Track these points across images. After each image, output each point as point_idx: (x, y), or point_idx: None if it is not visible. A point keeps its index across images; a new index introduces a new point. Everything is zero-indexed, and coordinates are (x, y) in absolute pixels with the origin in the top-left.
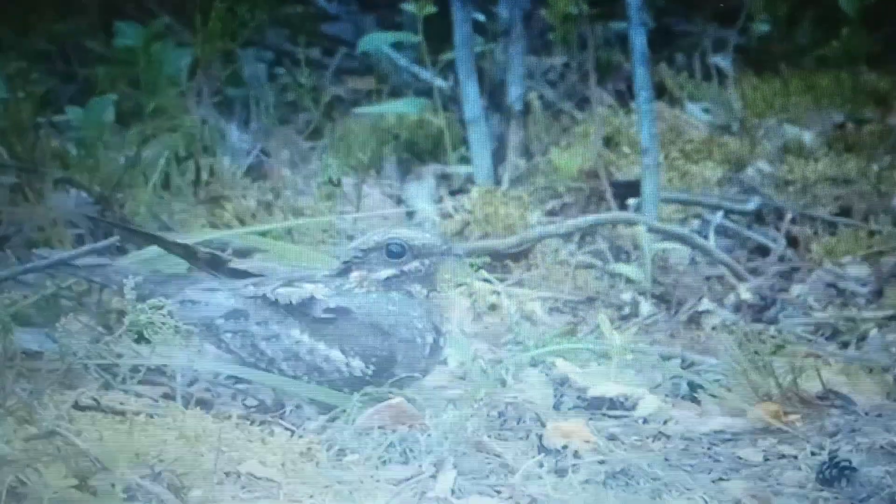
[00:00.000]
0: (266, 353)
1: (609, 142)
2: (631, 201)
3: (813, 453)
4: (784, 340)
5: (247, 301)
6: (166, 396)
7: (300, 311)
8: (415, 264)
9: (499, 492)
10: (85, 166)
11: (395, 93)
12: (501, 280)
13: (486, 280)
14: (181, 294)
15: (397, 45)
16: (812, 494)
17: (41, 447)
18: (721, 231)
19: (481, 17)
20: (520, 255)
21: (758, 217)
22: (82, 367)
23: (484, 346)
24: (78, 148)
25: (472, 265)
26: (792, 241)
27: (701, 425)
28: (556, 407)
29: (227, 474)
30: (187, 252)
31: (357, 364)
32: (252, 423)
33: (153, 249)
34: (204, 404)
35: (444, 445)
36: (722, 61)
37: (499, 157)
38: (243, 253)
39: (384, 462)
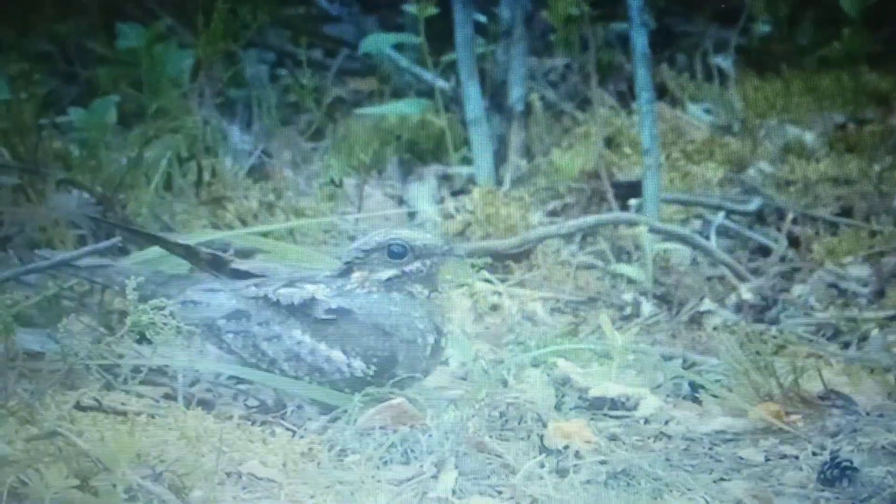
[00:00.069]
0: (267, 353)
1: (610, 142)
2: (632, 202)
3: (814, 453)
4: (785, 341)
5: (248, 302)
6: (168, 397)
7: (302, 311)
8: (416, 265)
9: (500, 492)
10: (87, 167)
11: (397, 94)
12: (503, 280)
13: (487, 280)
14: (183, 295)
15: (399, 47)
16: (813, 495)
17: (42, 447)
18: (722, 231)
19: (483, 19)
20: (521, 255)
21: (759, 217)
22: (84, 367)
23: (485, 347)
24: (80, 149)
25: (473, 266)
26: (793, 242)
27: (702, 425)
28: (558, 407)
29: (228, 475)
30: (189, 253)
31: (358, 364)
32: (253, 423)
33: (155, 250)
34: (205, 405)
35: (445, 446)
36: (723, 62)
37: (500, 157)
38: (245, 253)
39: (385, 462)
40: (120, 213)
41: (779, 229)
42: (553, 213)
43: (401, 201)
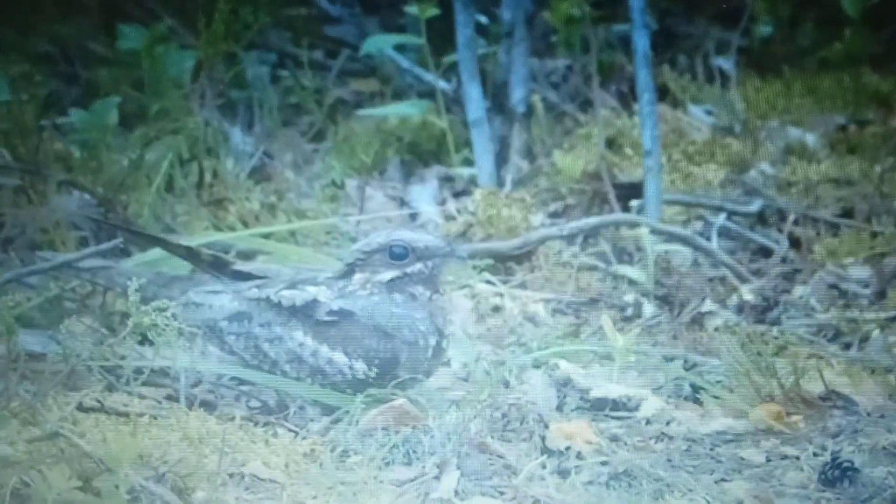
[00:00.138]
0: (269, 355)
1: (612, 144)
2: (634, 203)
3: (815, 454)
4: (786, 341)
5: (250, 303)
6: (170, 398)
7: (303, 313)
8: (418, 266)
9: (502, 493)
10: (88, 168)
11: (399, 95)
12: (504, 282)
13: (489, 282)
14: (184, 296)
15: (400, 48)
16: (814, 495)
17: (45, 449)
18: (723, 232)
19: (484, 20)
20: (523, 256)
21: (760, 219)
22: (86, 368)
23: (487, 348)
24: (81, 150)
25: (475, 267)
26: (794, 243)
27: (703, 426)
28: (559, 408)
29: (230, 475)
30: (190, 254)
31: (360, 366)
32: (256, 424)
33: (156, 252)
34: (207, 406)
35: (447, 446)
36: (724, 63)
37: (502, 159)
38: (247, 255)
39: (387, 463)
40: (121, 215)
41: (780, 230)
42: (554, 215)
43: (402, 203)
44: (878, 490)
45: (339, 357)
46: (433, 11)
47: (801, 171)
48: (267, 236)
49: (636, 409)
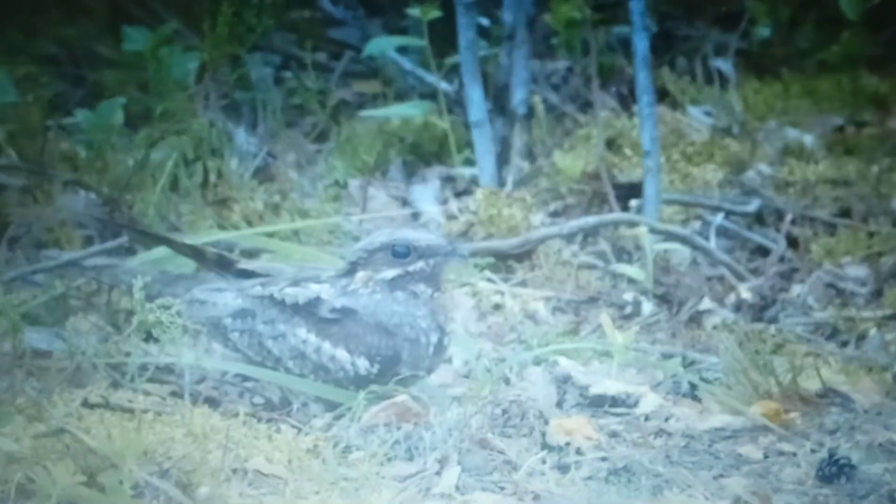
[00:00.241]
0: (272, 351)
1: (611, 144)
2: (633, 203)
3: (813, 451)
4: (784, 339)
5: (254, 301)
6: (174, 394)
7: (306, 310)
8: (420, 265)
9: (502, 488)
10: (94, 168)
11: (401, 96)
12: (505, 280)
13: (490, 280)
14: (189, 294)
15: (403, 50)
16: (812, 491)
17: (50, 445)
18: (722, 232)
19: (486, 22)
20: (523, 255)
21: (758, 218)
22: (91, 365)
23: (488, 345)
24: (87, 150)
25: (476, 266)
26: (792, 242)
27: (701, 423)
28: (559, 404)
29: (234, 471)
30: (195, 253)
31: (362, 363)
32: (259, 420)
33: (161, 250)
34: (211, 402)
35: (448, 442)
36: (723, 65)
37: (503, 159)
38: (251, 254)
39: (389, 459)
40: (127, 214)
41: (778, 230)
42: (555, 214)
43: (404, 202)
44: (874, 487)
45: (342, 354)
46: (435, 14)
47: (799, 171)
48: (270, 235)
49: (635, 405)
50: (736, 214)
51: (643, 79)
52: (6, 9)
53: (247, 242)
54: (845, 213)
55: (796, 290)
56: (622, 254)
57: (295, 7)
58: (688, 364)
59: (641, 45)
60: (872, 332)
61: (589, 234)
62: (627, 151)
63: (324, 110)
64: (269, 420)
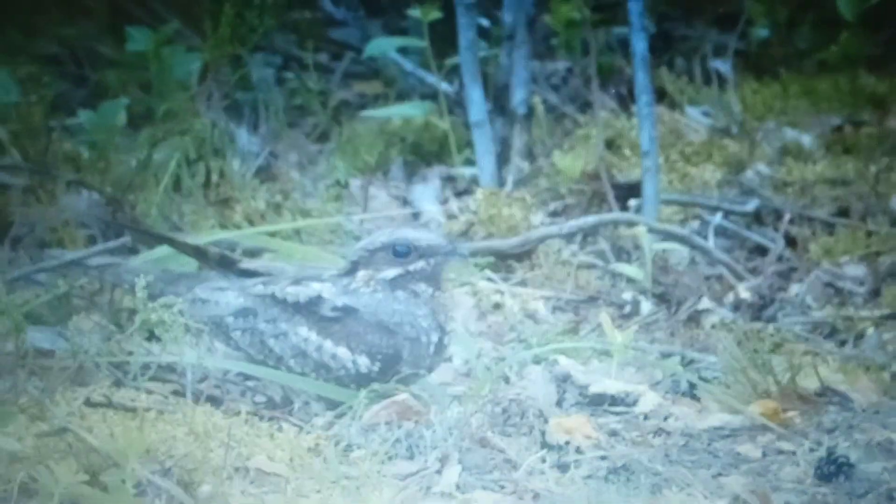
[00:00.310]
0: (274, 350)
1: (610, 144)
2: (632, 203)
3: (811, 450)
4: (782, 338)
5: (255, 299)
6: (176, 393)
7: (308, 309)
8: (420, 264)
9: (502, 487)
10: (97, 168)
11: (402, 96)
12: (505, 279)
13: (490, 280)
14: (191, 293)
15: (403, 50)
16: (810, 490)
17: (53, 444)
18: (720, 232)
19: (486, 23)
20: (523, 255)
21: (757, 218)
22: (94, 364)
23: (488, 344)
24: (90, 150)
25: (476, 265)
26: (790, 242)
27: (700, 422)
28: (559, 403)
29: (236, 470)
30: (198, 252)
31: (363, 361)
32: (261, 419)
33: (163, 249)
34: (213, 401)
35: (448, 441)
36: (722, 65)
37: (503, 159)
38: (253, 253)
39: (390, 457)
40: (129, 214)
41: (776, 229)
42: (554, 214)
43: (405, 202)
44: (873, 485)
45: (343, 352)
46: (435, 15)
47: (798, 171)
48: (272, 235)
49: (634, 404)
50: (734, 214)
51: (642, 79)
52: (8, 9)
53: (249, 242)
54: (844, 212)
55: (795, 289)
56: (621, 253)
57: (296, 8)
58: (686, 363)
59: (640, 45)
60: (870, 331)
61: (588, 233)
62: (626, 151)
63: (325, 111)
64: (270, 419)
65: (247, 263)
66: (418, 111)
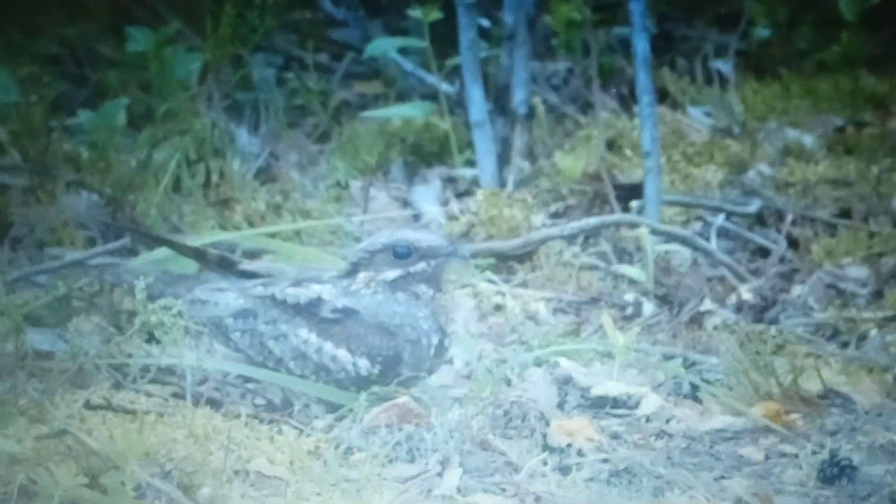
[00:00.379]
0: (274, 352)
1: (612, 145)
2: (633, 204)
3: (814, 452)
4: (785, 340)
5: (255, 301)
6: (176, 396)
7: (308, 311)
8: (421, 265)
9: (504, 489)
10: (96, 169)
11: (402, 97)
12: (506, 281)
13: (491, 281)
14: (191, 294)
15: (404, 51)
16: (813, 493)
17: (52, 446)
18: (722, 233)
19: (486, 23)
20: (524, 256)
21: (759, 219)
22: (93, 366)
23: (489, 346)
24: (90, 151)
25: (477, 266)
26: (792, 243)
27: (703, 424)
28: (560, 406)
29: (235, 472)
30: (197, 254)
31: (363, 363)
32: (261, 421)
33: (164, 250)
34: (213, 403)
35: (449, 444)
36: (723, 66)
37: (504, 160)
38: (253, 254)
39: (391, 460)
40: (129, 215)
41: (778, 231)
42: (555, 215)
43: (406, 203)
44: (876, 488)
45: (343, 354)
46: (436, 15)
47: (799, 171)
48: (272, 236)
49: (636, 406)
50: (736, 215)
51: (643, 79)
52: (9, 9)
53: (249, 243)
54: (846, 213)
55: (797, 290)
56: (623, 255)
57: (297, 8)
58: (689, 365)
59: (641, 45)
60: (873, 332)
61: (590, 234)
62: (628, 152)
63: (325, 111)
64: (270, 421)
65: (246, 265)
66: (419, 112)
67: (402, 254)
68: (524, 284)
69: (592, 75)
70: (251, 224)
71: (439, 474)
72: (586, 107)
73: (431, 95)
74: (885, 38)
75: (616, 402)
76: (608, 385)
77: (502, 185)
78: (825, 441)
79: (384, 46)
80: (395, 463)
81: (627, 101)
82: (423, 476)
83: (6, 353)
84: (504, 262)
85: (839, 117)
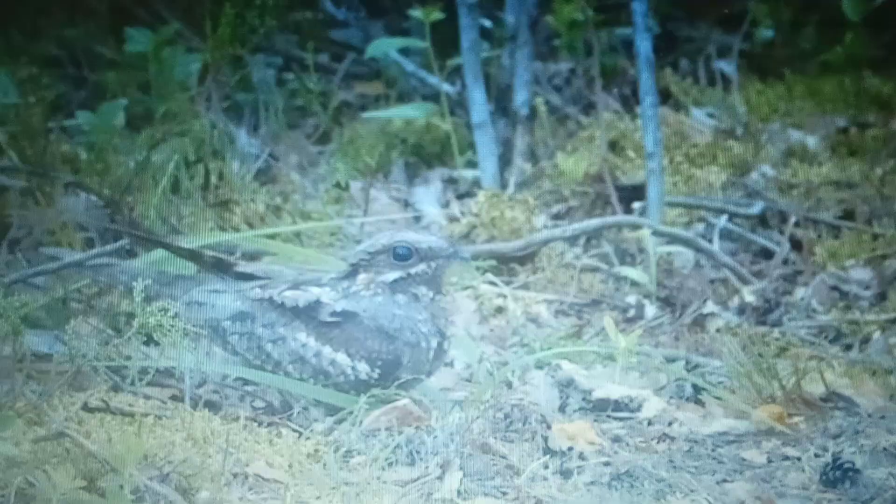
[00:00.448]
0: (272, 355)
1: (614, 146)
2: (636, 205)
3: (816, 455)
4: (788, 343)
5: (253, 303)
6: (175, 398)
7: (306, 314)
8: (421, 267)
9: (504, 493)
10: (95, 170)
11: (403, 98)
12: (507, 283)
13: (492, 283)
14: (187, 295)
15: (405, 51)
16: (815, 496)
17: (50, 448)
18: (725, 234)
19: (488, 23)
20: (526, 258)
21: (762, 221)
22: (91, 369)
23: (490, 349)
24: (88, 152)
25: (478, 268)
26: (795, 245)
27: (705, 427)
28: (562, 409)
29: (234, 475)
30: (193, 257)
31: (363, 367)
32: (260, 424)
33: (162, 251)
34: (212, 406)
35: (450, 447)
36: (726, 66)
37: (505, 161)
38: (252, 256)
39: (391, 463)
40: (127, 216)
41: (781, 232)
42: (557, 217)
43: (406, 204)
44: (879, 491)
45: (343, 358)
46: (437, 15)
47: (803, 173)
48: (272, 237)
49: (638, 409)
50: (739, 217)
51: (646, 80)
52: (8, 10)
53: (248, 244)
54: (849, 215)
55: (800, 293)
56: (625, 256)
57: (297, 8)
58: (691, 368)
59: (644, 46)
60: (876, 335)
61: (592, 236)
62: (630, 153)
63: (326, 112)
64: (269, 424)
65: (243, 266)
66: (420, 112)
67: (402, 255)
68: (525, 286)
69: (595, 76)
70: (250, 226)
71: (439, 478)
72: (588, 108)
73: (433, 96)
74: (889, 38)
75: (618, 405)
76: (610, 388)
77: (504, 186)
78: (828, 444)
79: (385, 47)
80: (395, 466)
81: (630, 102)
82: (424, 479)
83: (4, 355)
84: (505, 264)
85: (843, 118)
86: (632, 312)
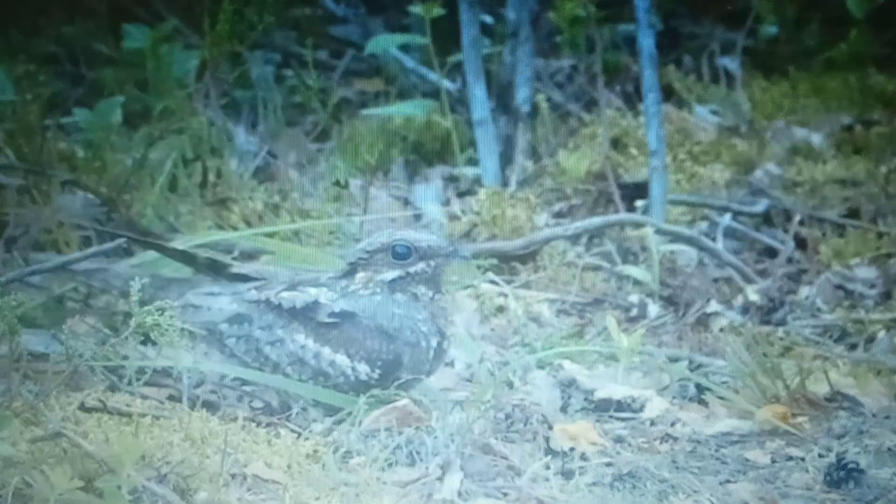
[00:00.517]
0: (270, 357)
1: (617, 144)
2: (639, 203)
3: (821, 455)
4: (792, 342)
5: (249, 306)
6: (172, 398)
7: (304, 315)
8: (420, 266)
9: (505, 494)
10: (92, 168)
11: (403, 95)
12: (509, 282)
13: (493, 282)
14: (182, 298)
15: (405, 47)
16: (820, 496)
17: (47, 449)
18: (729, 233)
19: (489, 20)
20: (527, 256)
21: (766, 219)
22: (88, 369)
23: (491, 348)
24: (85, 150)
25: (479, 267)
26: (800, 243)
27: (708, 427)
28: (564, 409)
29: (232, 476)
30: (186, 258)
31: (363, 368)
32: (258, 425)
33: (155, 252)
34: (210, 406)
35: (450, 447)
36: (730, 63)
37: (506, 158)
38: (250, 255)
39: (390, 464)
40: (125, 215)
41: (786, 231)
42: (559, 215)
43: (406, 203)
44: (883, 491)
45: (342, 359)
46: (438, 11)
47: (807, 171)
48: (271, 236)
49: (641, 409)
50: (743, 215)
51: (649, 77)
52: (5, 8)
53: (247, 243)
54: (854, 213)
55: (804, 292)
56: (628, 255)
57: (296, 4)
58: (694, 367)
59: (647, 42)
60: (881, 334)
61: (594, 234)
62: (633, 151)
63: (325, 109)
64: (268, 424)
65: (238, 268)
66: (420, 110)
67: (401, 254)
68: (527, 285)
69: (597, 73)
70: (249, 224)
71: (440, 478)
72: (591, 105)
73: (433, 93)
74: (893, 36)
75: (620, 406)
76: (612, 388)
77: (505, 184)
78: (832, 444)
79: (385, 43)
80: (395, 467)
81: (633, 99)
82: (424, 480)
83: (1, 354)
84: (506, 263)
85: (847, 116)
86: (634, 312)
